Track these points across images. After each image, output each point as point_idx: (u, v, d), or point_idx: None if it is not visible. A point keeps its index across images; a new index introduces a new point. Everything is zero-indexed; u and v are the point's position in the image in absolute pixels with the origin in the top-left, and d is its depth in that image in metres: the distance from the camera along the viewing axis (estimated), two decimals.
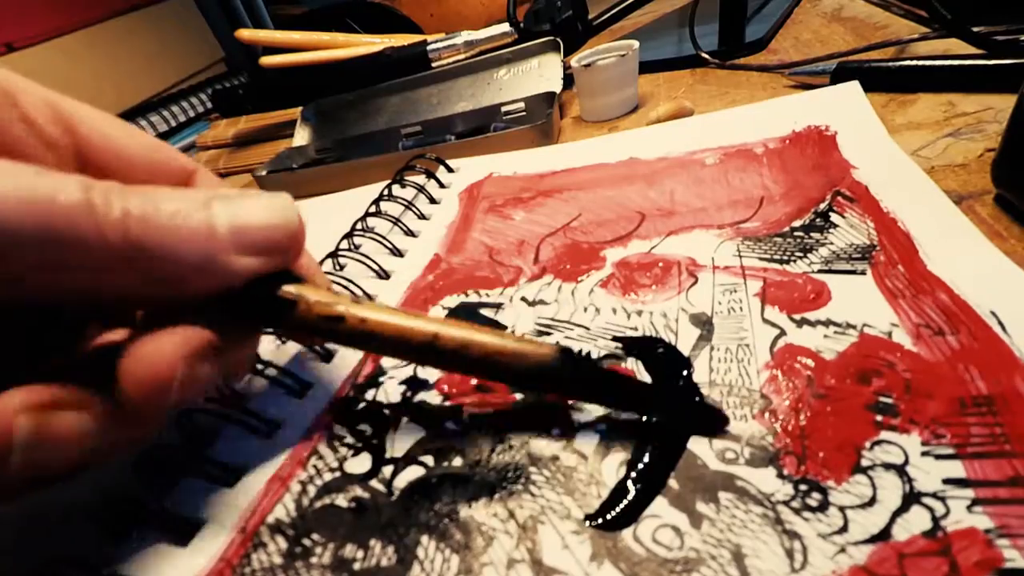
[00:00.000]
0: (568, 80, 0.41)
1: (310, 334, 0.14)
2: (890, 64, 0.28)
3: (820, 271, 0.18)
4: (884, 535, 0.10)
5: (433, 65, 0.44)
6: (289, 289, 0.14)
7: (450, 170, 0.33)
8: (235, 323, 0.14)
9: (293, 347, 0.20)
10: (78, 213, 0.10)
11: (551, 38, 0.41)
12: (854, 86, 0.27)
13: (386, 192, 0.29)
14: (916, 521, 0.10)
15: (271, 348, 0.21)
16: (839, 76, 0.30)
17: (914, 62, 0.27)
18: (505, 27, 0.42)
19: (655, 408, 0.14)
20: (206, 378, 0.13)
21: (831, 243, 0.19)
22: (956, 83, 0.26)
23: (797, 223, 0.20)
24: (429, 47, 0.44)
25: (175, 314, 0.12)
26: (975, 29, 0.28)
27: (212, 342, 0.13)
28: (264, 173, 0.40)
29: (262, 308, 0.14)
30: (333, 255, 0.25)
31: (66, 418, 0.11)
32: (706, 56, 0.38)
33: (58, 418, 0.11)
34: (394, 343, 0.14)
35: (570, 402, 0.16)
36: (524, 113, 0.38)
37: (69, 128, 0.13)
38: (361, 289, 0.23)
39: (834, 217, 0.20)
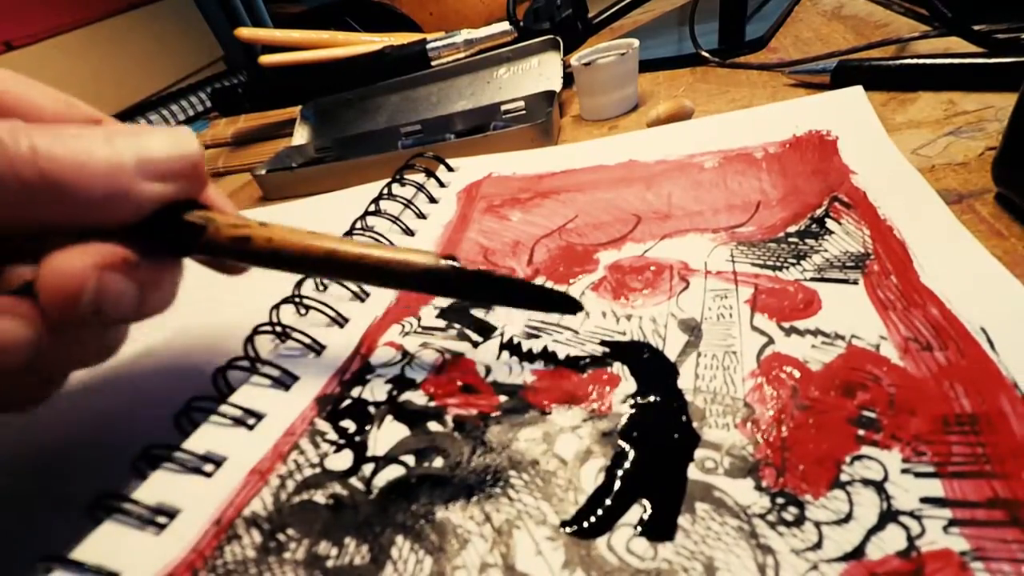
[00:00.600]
0: (568, 79, 0.41)
1: (221, 256, 0.16)
2: (890, 63, 0.28)
3: (812, 279, 0.17)
4: (858, 553, 0.10)
5: (433, 64, 0.44)
6: (198, 214, 0.15)
7: (450, 169, 0.33)
8: (151, 248, 0.15)
9: (288, 342, 0.20)
10: None
11: (551, 36, 0.41)
12: (857, 91, 0.26)
13: (386, 191, 0.29)
14: (891, 540, 0.10)
15: (265, 343, 0.21)
16: (839, 75, 0.29)
17: (915, 60, 0.27)
18: (505, 25, 0.42)
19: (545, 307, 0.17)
20: (122, 291, 0.13)
21: (825, 250, 0.18)
22: (957, 81, 0.26)
23: (792, 228, 0.20)
24: (429, 46, 0.44)
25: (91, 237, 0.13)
26: (976, 27, 0.27)
27: (125, 257, 0.13)
28: (263, 172, 0.40)
29: (174, 232, 0.15)
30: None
31: (3, 323, 0.12)
32: (706, 55, 0.38)
33: None
34: (298, 259, 0.16)
35: (550, 407, 0.16)
36: (524, 112, 0.38)
37: None
38: (359, 286, 0.23)
39: (830, 223, 0.19)
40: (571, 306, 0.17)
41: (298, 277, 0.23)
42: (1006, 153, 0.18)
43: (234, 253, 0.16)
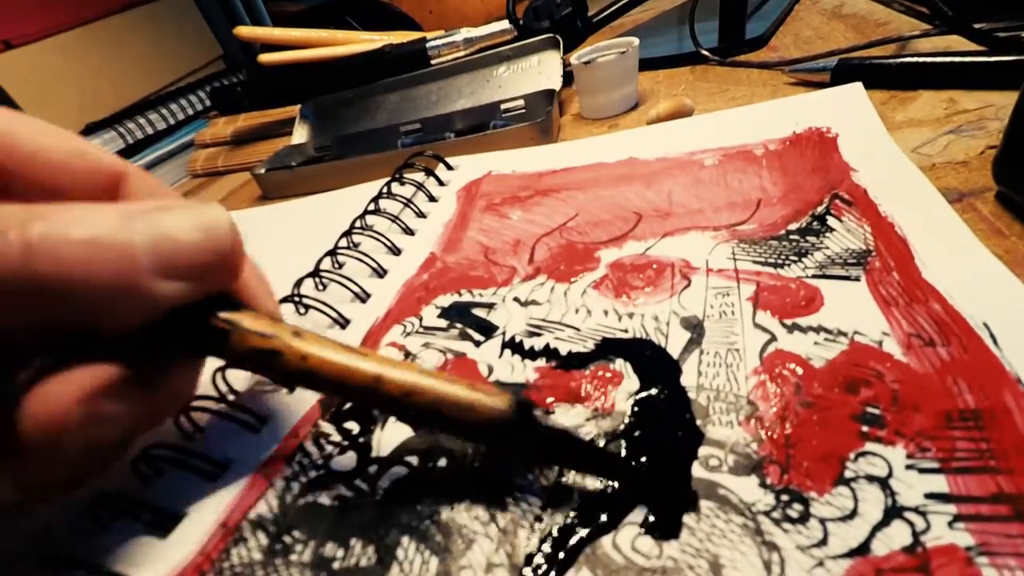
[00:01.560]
0: (568, 77, 0.41)
1: (243, 368, 0.13)
2: (891, 61, 0.28)
3: (814, 276, 0.17)
4: (863, 549, 0.10)
5: (432, 62, 0.44)
6: (222, 316, 0.12)
7: (449, 168, 0.33)
8: (162, 355, 0.12)
9: None
10: None
11: (551, 35, 0.40)
12: (857, 88, 0.26)
13: (385, 190, 0.29)
14: (896, 536, 0.10)
15: None
16: (839, 73, 0.29)
17: (915, 59, 0.27)
18: (504, 24, 0.42)
19: (620, 480, 0.13)
20: (118, 416, 0.12)
21: (827, 247, 0.18)
22: (957, 80, 0.26)
23: (794, 226, 0.20)
24: (428, 44, 0.44)
25: (89, 346, 0.11)
26: (976, 26, 0.27)
27: (121, 378, 0.11)
28: (263, 171, 0.40)
29: (189, 339, 0.12)
30: (331, 253, 0.25)
31: None
32: (706, 53, 0.38)
33: None
34: (334, 384, 0.13)
35: (554, 406, 0.16)
36: (524, 111, 0.38)
37: None
38: (360, 287, 0.23)
39: (831, 221, 0.20)
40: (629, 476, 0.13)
41: (297, 275, 0.23)
42: (1007, 152, 0.18)
43: (257, 367, 0.13)
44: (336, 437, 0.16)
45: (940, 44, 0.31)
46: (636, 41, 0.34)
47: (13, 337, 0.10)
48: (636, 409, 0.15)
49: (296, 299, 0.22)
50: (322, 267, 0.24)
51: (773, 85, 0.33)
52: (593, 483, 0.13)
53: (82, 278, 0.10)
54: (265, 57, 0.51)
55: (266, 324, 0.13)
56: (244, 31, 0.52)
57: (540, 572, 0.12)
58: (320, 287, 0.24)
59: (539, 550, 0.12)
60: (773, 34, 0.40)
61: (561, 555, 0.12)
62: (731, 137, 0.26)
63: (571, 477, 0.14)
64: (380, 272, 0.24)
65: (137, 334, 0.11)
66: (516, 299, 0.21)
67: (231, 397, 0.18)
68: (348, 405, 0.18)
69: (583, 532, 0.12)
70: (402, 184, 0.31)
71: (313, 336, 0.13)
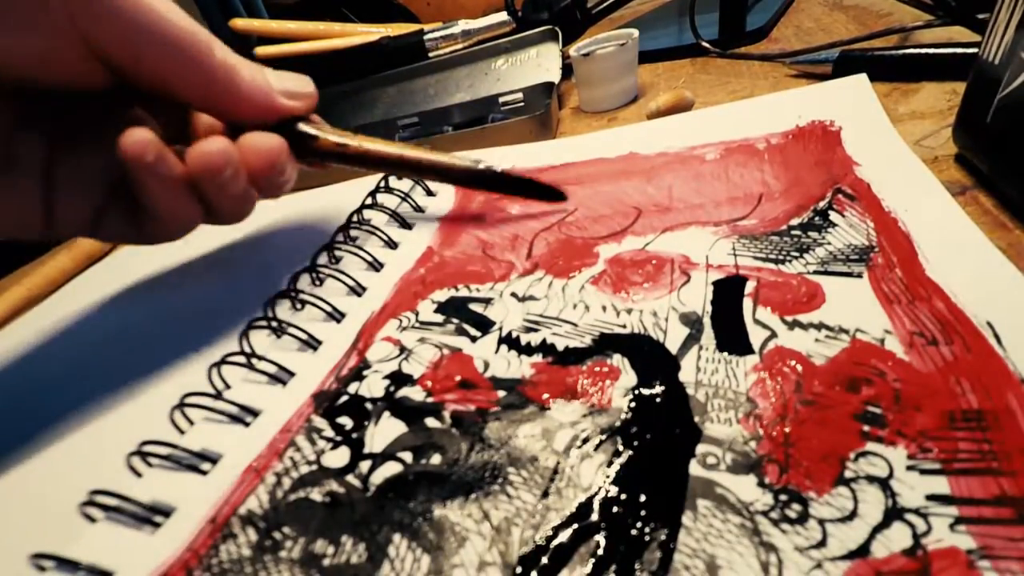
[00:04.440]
0: (567, 70, 0.40)
1: (326, 159, 0.23)
2: (893, 53, 0.27)
3: (816, 272, 0.17)
4: (863, 551, 0.10)
5: (430, 55, 0.44)
6: (311, 126, 0.23)
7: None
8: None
9: (283, 338, 0.20)
10: (206, 46, 0.19)
11: (549, 27, 0.40)
12: (861, 79, 0.26)
13: (382, 184, 0.29)
14: (896, 538, 0.10)
15: (261, 339, 0.20)
16: (841, 65, 0.29)
17: (918, 50, 0.27)
18: (503, 16, 0.42)
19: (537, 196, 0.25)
20: (287, 168, 0.22)
21: (829, 243, 0.18)
22: (960, 72, 0.25)
23: (795, 221, 0.20)
24: (426, 36, 0.43)
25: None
26: (980, 16, 0.27)
27: (288, 148, 0.21)
28: None
29: (296, 138, 0.22)
30: (328, 248, 0.24)
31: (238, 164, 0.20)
32: (707, 45, 0.37)
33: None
34: (379, 160, 0.23)
35: (550, 402, 0.15)
36: (522, 104, 0.38)
37: None
38: (356, 281, 0.22)
39: (833, 216, 0.19)
40: (556, 196, 0.25)
41: (294, 270, 0.23)
42: (963, 116, 0.19)
43: (335, 156, 0.23)
44: (329, 432, 0.16)
45: (943, 35, 0.30)
46: (636, 33, 0.34)
47: (210, 107, 0.20)
48: (633, 405, 0.15)
49: (292, 294, 0.22)
50: (318, 262, 0.23)
51: (774, 77, 0.32)
52: (588, 477, 0.13)
53: (244, 82, 0.20)
54: (261, 50, 0.50)
55: (336, 131, 0.23)
56: (240, 23, 0.51)
57: (534, 572, 0.12)
58: (317, 282, 0.23)
59: (533, 549, 0.12)
60: (774, 26, 0.39)
61: (555, 554, 0.12)
62: (732, 131, 0.26)
63: (567, 473, 0.13)
64: (376, 266, 0.24)
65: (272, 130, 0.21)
66: (513, 294, 0.21)
67: (224, 392, 0.18)
68: (342, 400, 0.17)
69: (577, 530, 0.12)
70: (399, 178, 0.30)
71: (364, 136, 0.23)
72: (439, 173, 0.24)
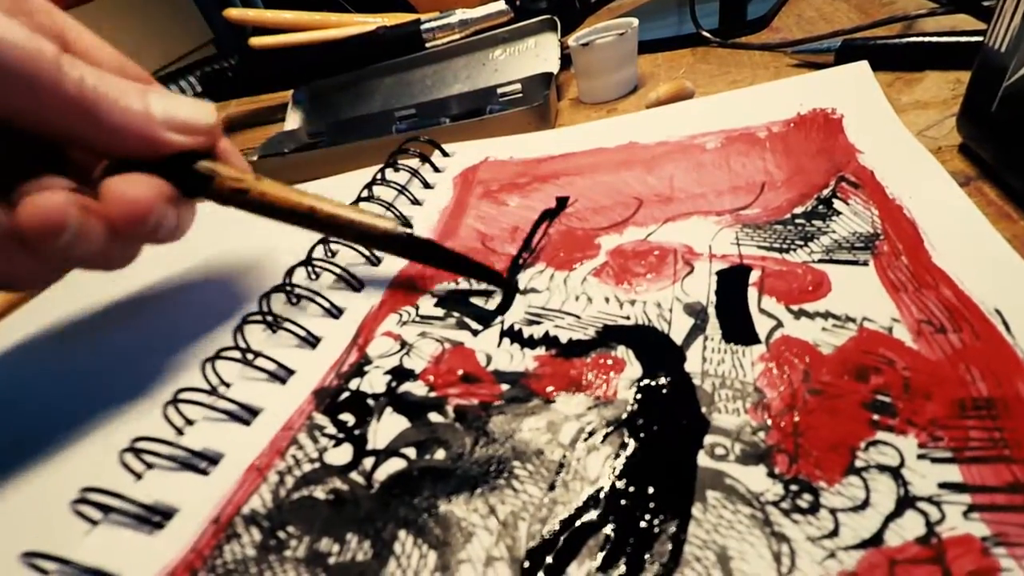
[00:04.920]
0: (566, 60, 0.40)
1: (224, 203, 0.19)
2: (896, 41, 0.27)
3: (821, 260, 0.17)
4: (876, 540, 0.10)
5: (427, 45, 0.43)
6: (206, 164, 0.19)
7: (445, 154, 0.32)
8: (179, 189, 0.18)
9: (280, 334, 0.20)
10: (50, 65, 0.15)
11: (548, 16, 0.39)
12: (863, 66, 0.26)
13: (379, 176, 0.28)
14: (910, 526, 0.10)
15: (257, 334, 0.20)
16: (843, 54, 0.29)
17: (921, 39, 0.26)
18: (501, 5, 0.41)
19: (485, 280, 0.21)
20: (168, 218, 0.18)
21: (833, 231, 0.18)
22: (964, 60, 0.25)
23: (799, 210, 0.20)
24: (423, 26, 0.43)
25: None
26: (984, 3, 0.27)
27: (174, 193, 0.18)
28: (255, 158, 0.39)
29: (188, 178, 0.18)
30: (324, 241, 0.24)
31: (90, 220, 0.16)
32: (707, 35, 0.37)
33: (87, 216, 0.16)
34: (284, 212, 0.19)
35: (554, 395, 0.15)
36: (521, 95, 0.37)
37: (61, 29, 0.18)
38: (353, 277, 0.22)
39: (837, 204, 0.19)
40: (501, 283, 0.20)
41: (289, 265, 0.22)
42: (967, 105, 0.18)
43: (234, 202, 0.19)
44: (331, 429, 0.16)
45: (946, 23, 0.30)
46: (635, 22, 0.33)
47: (54, 135, 0.16)
48: (639, 397, 0.15)
49: (288, 288, 0.21)
50: (314, 255, 0.23)
51: (775, 67, 0.32)
52: (596, 469, 0.13)
53: (112, 112, 0.16)
54: (256, 40, 0.49)
55: (237, 172, 0.19)
56: (235, 13, 0.50)
57: (541, 565, 0.11)
58: (312, 276, 0.23)
59: (540, 543, 0.12)
60: (775, 15, 0.39)
61: (563, 549, 0.12)
62: (733, 119, 0.26)
63: (573, 466, 0.13)
64: (374, 260, 0.24)
65: (152, 169, 0.17)
66: (515, 287, 0.20)
67: (222, 389, 0.18)
68: (343, 396, 0.17)
69: (585, 523, 0.12)
70: (396, 171, 0.30)
71: (270, 181, 0.19)
72: (354, 234, 0.20)
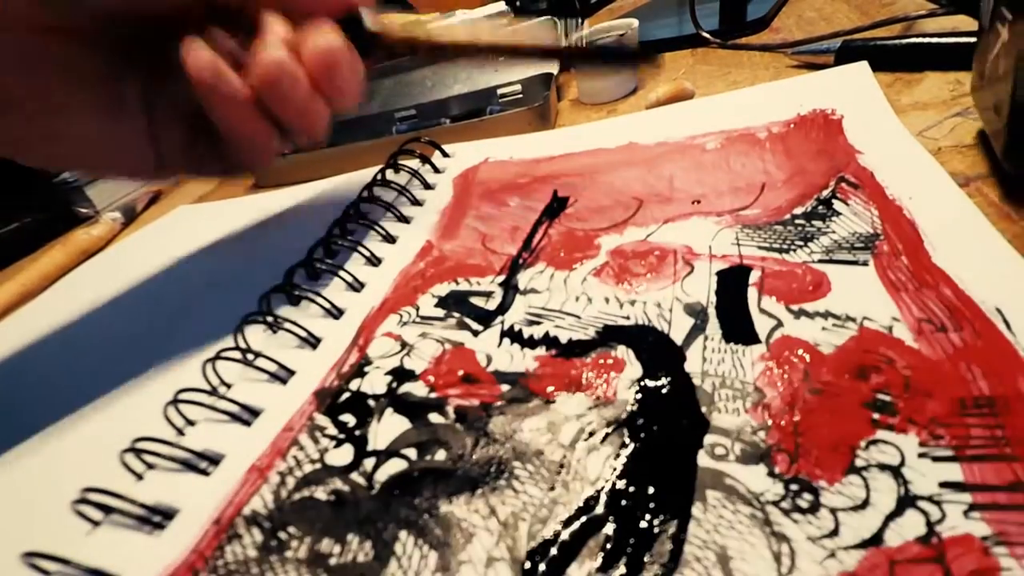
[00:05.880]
0: None
1: (390, 55, 0.25)
2: (896, 42, 0.27)
3: (821, 261, 0.17)
4: (876, 540, 0.10)
5: None
6: (371, 24, 0.22)
7: (445, 154, 0.32)
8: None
9: (281, 335, 0.20)
10: None
11: (548, 18, 0.40)
12: (862, 67, 0.26)
13: (379, 177, 0.29)
14: (910, 526, 0.10)
15: (258, 335, 0.20)
16: (843, 55, 0.29)
17: (921, 40, 0.26)
18: (501, 6, 0.41)
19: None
20: (353, 73, 0.21)
21: (833, 231, 0.18)
22: (964, 61, 0.25)
23: (799, 210, 0.20)
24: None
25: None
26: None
27: (350, 45, 0.21)
28: None
29: (360, 34, 0.22)
30: (324, 242, 0.24)
31: (299, 69, 0.20)
32: (707, 35, 0.37)
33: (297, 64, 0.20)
34: (450, 49, 0.24)
35: (555, 395, 0.15)
36: (521, 95, 0.37)
37: None
38: (354, 277, 0.22)
39: (837, 204, 0.19)
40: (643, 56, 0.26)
41: (290, 265, 0.22)
42: (1015, 137, 0.16)
43: (402, 50, 0.23)
44: (332, 430, 0.16)
45: (946, 24, 0.30)
46: (635, 23, 0.33)
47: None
48: (639, 397, 0.15)
49: (289, 290, 0.21)
50: (315, 256, 0.23)
51: (775, 68, 0.32)
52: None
53: None
54: None
55: (400, 26, 0.23)
56: None
57: (542, 565, 0.11)
58: (313, 278, 0.23)
59: (541, 543, 0.12)
60: (775, 16, 0.39)
61: (563, 548, 0.12)
62: (733, 120, 0.26)
63: (574, 466, 0.13)
64: (375, 261, 0.24)
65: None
66: (515, 287, 0.20)
67: (222, 390, 0.18)
68: (344, 397, 0.17)
69: (585, 523, 0.12)
70: (397, 171, 0.30)
71: (428, 27, 0.24)
72: (512, 53, 0.24)
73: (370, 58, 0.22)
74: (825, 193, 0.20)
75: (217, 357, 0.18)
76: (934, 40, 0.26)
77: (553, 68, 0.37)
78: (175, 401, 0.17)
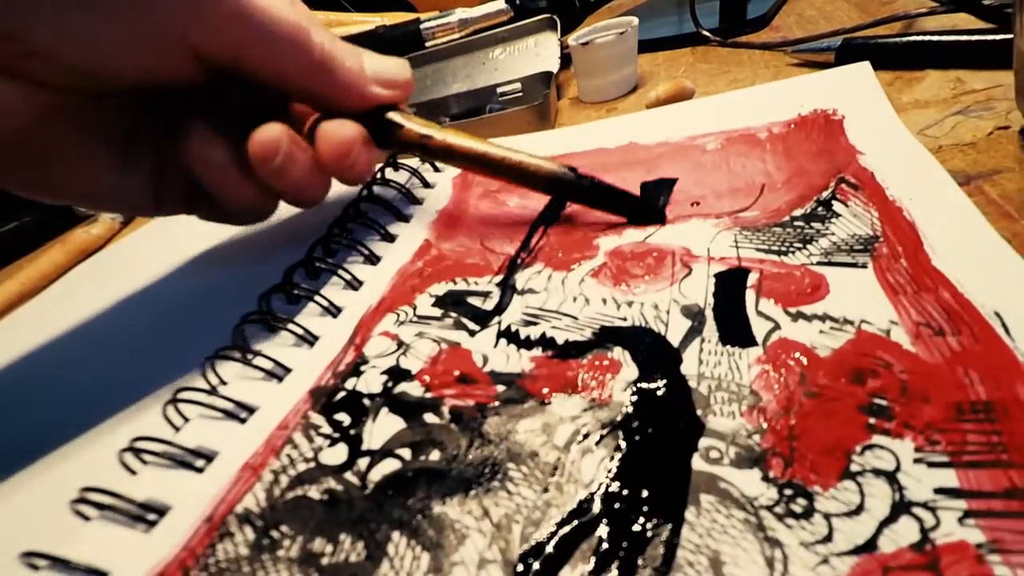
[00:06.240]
0: (565, 59, 0.40)
1: (409, 150, 0.23)
2: (897, 40, 0.27)
3: (819, 263, 0.17)
4: (870, 546, 0.10)
5: (427, 44, 0.43)
6: (395, 115, 0.22)
7: None
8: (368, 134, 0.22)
9: (278, 332, 0.20)
10: (305, 33, 0.19)
11: (548, 16, 0.39)
12: (864, 67, 0.26)
13: (379, 176, 0.28)
14: (904, 532, 0.10)
15: (256, 333, 0.20)
16: (844, 53, 0.28)
17: (921, 37, 0.26)
18: (501, 4, 0.41)
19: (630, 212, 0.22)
20: (365, 158, 0.21)
21: (832, 233, 0.18)
22: (965, 59, 0.25)
23: (798, 212, 0.19)
24: (422, 25, 0.43)
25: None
26: (985, 2, 0.26)
27: (368, 137, 0.21)
28: None
29: (379, 125, 0.22)
30: (323, 241, 0.24)
31: (296, 150, 0.20)
32: (707, 34, 0.37)
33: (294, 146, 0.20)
34: (461, 156, 0.22)
35: (550, 396, 0.15)
36: (520, 94, 0.37)
37: None
38: (352, 275, 0.22)
39: (837, 206, 0.19)
40: (654, 216, 0.22)
41: (289, 264, 0.22)
42: None
43: (417, 148, 0.23)
44: (326, 429, 0.16)
45: (947, 22, 0.30)
46: (635, 21, 0.33)
47: (303, 93, 0.21)
48: (635, 399, 0.14)
49: (287, 288, 0.21)
50: (314, 255, 0.23)
51: (776, 66, 0.32)
52: (589, 472, 0.13)
53: (341, 68, 0.20)
54: None
55: (423, 122, 0.23)
56: None
57: (535, 568, 0.11)
58: (312, 276, 0.23)
59: (534, 545, 0.12)
60: (775, 14, 0.39)
61: (556, 551, 0.12)
62: (733, 120, 0.26)
63: (568, 468, 0.13)
64: (373, 260, 0.24)
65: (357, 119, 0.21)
66: (512, 287, 0.20)
67: (220, 388, 0.18)
68: (339, 396, 0.17)
69: (578, 526, 0.12)
70: (396, 170, 0.30)
71: (451, 130, 0.23)
72: (523, 177, 0.22)
73: (386, 147, 0.23)
74: (825, 194, 0.20)
75: (216, 356, 0.18)
76: (935, 38, 0.26)
77: (553, 67, 0.37)
78: (174, 400, 0.17)
